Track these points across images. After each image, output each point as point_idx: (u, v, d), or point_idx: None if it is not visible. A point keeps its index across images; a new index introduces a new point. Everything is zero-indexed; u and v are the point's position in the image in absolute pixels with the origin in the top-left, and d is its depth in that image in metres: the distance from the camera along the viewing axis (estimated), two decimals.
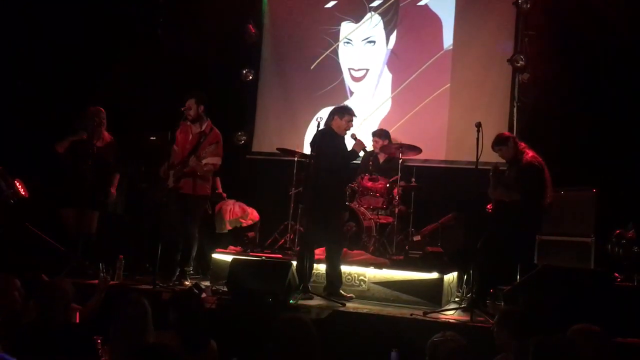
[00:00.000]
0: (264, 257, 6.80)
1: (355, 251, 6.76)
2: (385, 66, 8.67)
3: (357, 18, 8.80)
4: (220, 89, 8.28)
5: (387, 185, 7.29)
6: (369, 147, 7.19)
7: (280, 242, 7.65)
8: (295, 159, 7.63)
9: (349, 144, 6.38)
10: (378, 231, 7.26)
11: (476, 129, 5.66)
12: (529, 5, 7.74)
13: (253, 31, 8.94)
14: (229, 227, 7.67)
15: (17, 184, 6.65)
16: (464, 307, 5.87)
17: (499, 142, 5.94)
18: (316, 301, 5.92)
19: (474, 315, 5.40)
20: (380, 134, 7.71)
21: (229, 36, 8.78)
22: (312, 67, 8.89)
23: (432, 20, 8.51)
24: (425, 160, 8.01)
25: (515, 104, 7.90)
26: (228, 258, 6.57)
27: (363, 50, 8.77)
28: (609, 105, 7.33)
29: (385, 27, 8.68)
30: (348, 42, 8.83)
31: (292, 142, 8.37)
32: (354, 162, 6.70)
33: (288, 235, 7.52)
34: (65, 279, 4.55)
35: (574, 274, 5.44)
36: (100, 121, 6.75)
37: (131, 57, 8.47)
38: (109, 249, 6.69)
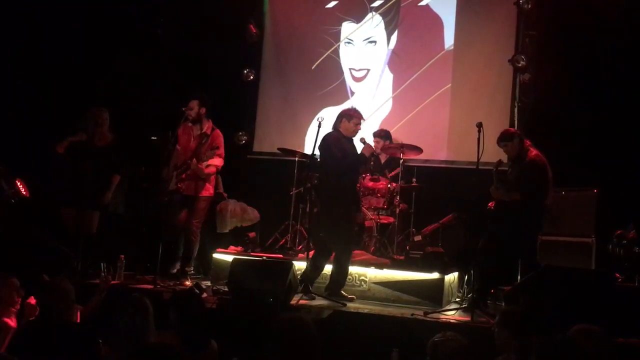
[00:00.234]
0: (264, 257, 6.80)
1: (356, 251, 6.75)
2: (386, 66, 8.67)
3: (358, 18, 8.79)
4: (221, 89, 8.28)
5: (388, 185, 7.29)
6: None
7: (281, 242, 7.66)
8: (296, 159, 7.63)
9: (358, 146, 6.41)
10: (379, 231, 7.26)
11: (477, 129, 5.66)
12: (530, 6, 7.74)
13: (254, 31, 8.93)
14: (229, 227, 7.67)
15: (18, 183, 6.65)
16: (464, 307, 5.88)
17: (505, 138, 5.94)
18: (317, 301, 5.92)
19: (475, 315, 5.40)
20: (381, 134, 7.72)
21: (230, 36, 8.78)
22: (313, 67, 8.89)
23: (433, 20, 8.51)
24: (426, 161, 8.01)
25: (516, 104, 7.89)
26: (229, 258, 6.58)
27: (364, 50, 8.77)
28: (610, 105, 7.33)
29: (386, 27, 8.68)
30: (349, 42, 8.83)
31: (293, 142, 8.37)
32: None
33: (289, 235, 7.53)
34: (65, 279, 4.54)
35: (574, 275, 5.44)
36: (102, 121, 6.74)
37: (132, 57, 8.47)
38: (110, 248, 6.70)
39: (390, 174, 7.35)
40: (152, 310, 3.88)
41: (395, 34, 8.65)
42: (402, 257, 6.94)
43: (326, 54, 8.84)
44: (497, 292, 6.21)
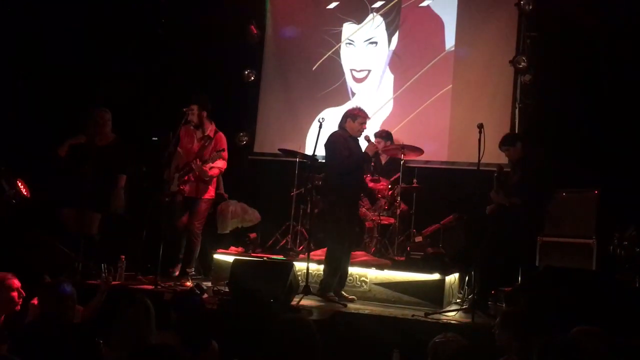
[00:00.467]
0: (265, 258, 6.80)
1: (356, 252, 6.76)
2: (387, 67, 8.67)
3: (359, 19, 8.79)
4: (221, 89, 8.28)
5: (389, 186, 7.30)
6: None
7: (282, 243, 7.66)
8: (297, 159, 7.63)
9: (363, 145, 6.42)
10: (379, 232, 7.27)
11: (478, 130, 5.66)
12: (530, 7, 7.73)
13: (255, 32, 8.93)
14: (230, 228, 7.67)
15: (19, 184, 6.66)
16: (465, 308, 5.88)
17: (507, 142, 5.94)
18: (318, 302, 5.92)
19: (476, 316, 5.40)
20: (382, 135, 7.72)
21: (231, 37, 8.79)
22: (314, 68, 8.89)
23: (434, 21, 8.50)
24: (427, 161, 8.00)
25: (517, 105, 7.88)
26: (229, 259, 6.59)
27: (365, 51, 8.77)
28: (611, 106, 7.33)
29: (387, 28, 8.68)
30: (350, 43, 8.83)
31: (294, 143, 8.36)
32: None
33: (289, 236, 7.53)
34: (66, 280, 4.54)
35: (575, 275, 5.44)
36: (103, 122, 6.75)
37: (133, 57, 8.48)
38: (111, 249, 6.70)
39: (391, 179, 7.34)
40: (153, 310, 3.88)
41: (396, 34, 8.65)
42: (402, 258, 6.93)
43: (327, 55, 8.84)
44: (497, 293, 6.21)
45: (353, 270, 6.44)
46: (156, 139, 7.76)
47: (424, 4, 8.55)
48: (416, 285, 6.28)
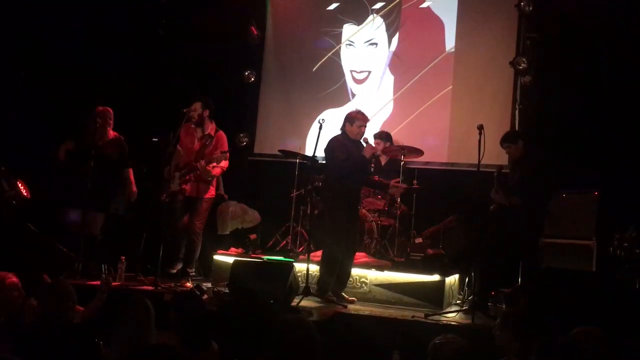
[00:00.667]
0: (265, 259, 6.80)
1: (357, 253, 6.75)
2: (387, 68, 8.67)
3: (359, 20, 8.79)
4: (222, 90, 8.28)
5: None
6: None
7: (282, 244, 7.65)
8: (297, 160, 7.63)
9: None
10: (379, 233, 7.26)
11: (478, 131, 5.66)
12: (530, 8, 7.73)
13: (255, 33, 8.93)
14: (230, 229, 7.67)
15: (19, 184, 6.66)
16: (465, 309, 5.88)
17: (509, 140, 5.94)
18: (317, 303, 5.92)
19: (476, 317, 5.40)
20: (381, 136, 7.72)
21: (231, 37, 8.79)
22: (314, 69, 8.89)
23: (434, 22, 8.51)
24: (427, 163, 8.00)
25: (517, 107, 7.88)
26: (229, 259, 6.58)
27: (365, 52, 8.77)
28: (611, 107, 7.33)
29: (388, 30, 8.68)
30: (350, 44, 8.83)
31: (294, 144, 8.37)
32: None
33: (289, 236, 7.53)
34: (66, 280, 4.54)
35: (575, 277, 5.44)
36: (104, 121, 6.75)
37: (133, 57, 8.48)
38: (111, 249, 6.70)
39: (392, 182, 7.34)
40: (153, 311, 3.88)
41: (397, 36, 8.65)
42: (402, 259, 6.94)
43: (327, 56, 8.84)
44: (497, 294, 6.21)
45: (353, 272, 6.43)
46: (156, 139, 7.75)
47: (424, 5, 8.55)
48: (416, 287, 6.28)
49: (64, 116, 7.82)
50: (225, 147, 6.56)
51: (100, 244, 6.76)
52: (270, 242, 7.76)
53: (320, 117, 6.92)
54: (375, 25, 8.73)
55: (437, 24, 8.49)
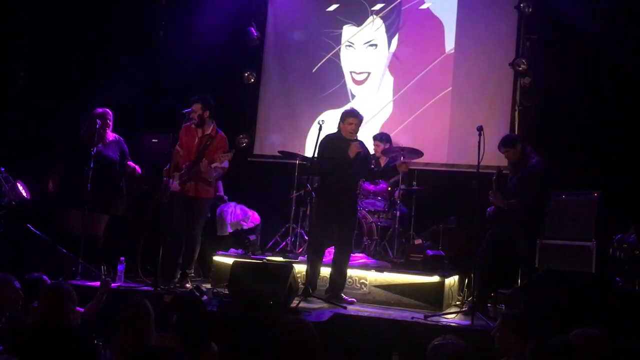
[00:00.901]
0: (265, 260, 6.80)
1: (356, 254, 6.76)
2: (387, 69, 8.67)
3: (359, 21, 8.80)
4: (222, 91, 8.28)
5: (389, 188, 7.30)
6: (370, 151, 7.23)
7: (282, 245, 7.66)
8: (297, 161, 7.64)
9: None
10: (379, 234, 7.27)
11: (477, 132, 5.67)
12: (530, 9, 7.75)
13: (255, 34, 8.94)
14: (230, 230, 7.67)
15: (19, 185, 6.66)
16: (465, 310, 5.88)
17: (507, 144, 5.94)
18: (318, 304, 5.92)
19: (475, 318, 5.40)
20: (381, 138, 7.72)
21: (231, 38, 8.80)
22: (313, 70, 8.90)
23: (433, 23, 8.51)
24: (427, 164, 8.00)
25: (516, 108, 7.89)
26: (229, 260, 6.58)
27: (365, 53, 8.78)
28: (611, 109, 7.33)
29: (387, 31, 8.69)
30: (350, 46, 8.84)
31: (294, 145, 8.37)
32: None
33: (289, 238, 7.53)
34: (66, 282, 4.54)
35: (575, 278, 5.44)
36: (103, 123, 6.75)
37: (133, 58, 8.48)
38: (111, 250, 6.70)
39: (391, 181, 7.35)
40: (153, 312, 3.88)
41: (396, 37, 8.66)
42: (402, 260, 6.94)
43: (327, 57, 8.85)
44: (497, 296, 6.21)
45: (352, 273, 6.44)
46: (156, 140, 7.76)
47: (423, 6, 8.56)
48: (416, 288, 6.28)
49: (64, 116, 7.81)
50: (226, 148, 6.56)
51: (101, 245, 6.76)
52: (270, 243, 7.76)
53: (320, 118, 6.92)
54: (375, 27, 8.74)
55: (437, 25, 8.49)
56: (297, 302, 5.76)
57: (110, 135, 6.88)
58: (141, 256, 6.61)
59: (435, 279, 6.25)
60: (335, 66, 8.84)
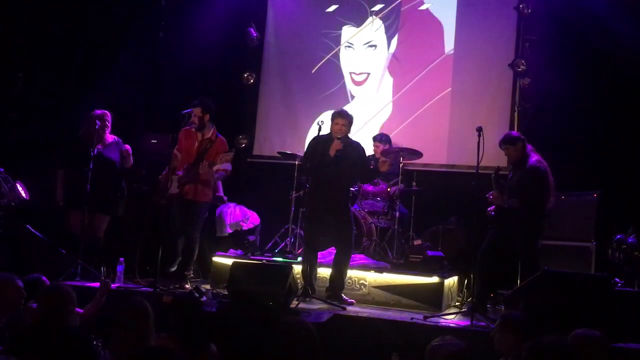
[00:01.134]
0: (264, 261, 6.80)
1: (355, 255, 6.75)
2: (387, 70, 8.67)
3: (358, 22, 8.80)
4: (221, 92, 8.29)
5: (388, 189, 7.30)
6: (370, 152, 7.24)
7: (281, 246, 7.66)
8: (296, 162, 7.63)
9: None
10: (378, 235, 7.27)
11: (477, 133, 5.66)
12: (530, 10, 7.75)
13: (255, 34, 8.94)
14: (229, 231, 7.67)
15: (19, 186, 6.65)
16: (464, 311, 5.88)
17: (508, 141, 5.93)
18: (317, 305, 5.92)
19: (474, 319, 5.40)
20: (381, 139, 7.72)
21: (231, 39, 8.80)
22: (313, 71, 8.90)
23: (433, 24, 8.51)
24: (426, 165, 8.00)
25: (516, 109, 7.90)
26: (228, 261, 6.57)
27: (364, 54, 8.78)
28: (610, 109, 7.34)
29: (387, 31, 8.69)
30: (349, 46, 8.84)
31: (293, 146, 8.37)
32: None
33: (289, 238, 7.53)
34: (65, 283, 4.54)
35: (574, 279, 5.44)
36: (102, 125, 6.75)
37: (133, 59, 8.49)
38: (110, 251, 6.70)
39: (391, 183, 7.35)
40: (152, 313, 3.88)
41: (396, 38, 8.66)
42: (401, 261, 6.94)
43: (326, 58, 8.85)
44: (496, 296, 6.21)
45: (352, 273, 6.44)
46: (155, 141, 7.76)
47: (423, 7, 8.56)
48: (415, 288, 6.28)
49: (64, 117, 7.81)
50: (228, 150, 6.55)
51: (101, 246, 6.76)
52: (270, 244, 7.76)
53: (319, 118, 6.94)
54: (374, 27, 8.74)
55: (436, 26, 8.50)
56: (297, 302, 5.75)
57: (110, 137, 6.88)
58: (140, 257, 6.60)
59: (435, 279, 6.25)
60: (334, 67, 8.84)
